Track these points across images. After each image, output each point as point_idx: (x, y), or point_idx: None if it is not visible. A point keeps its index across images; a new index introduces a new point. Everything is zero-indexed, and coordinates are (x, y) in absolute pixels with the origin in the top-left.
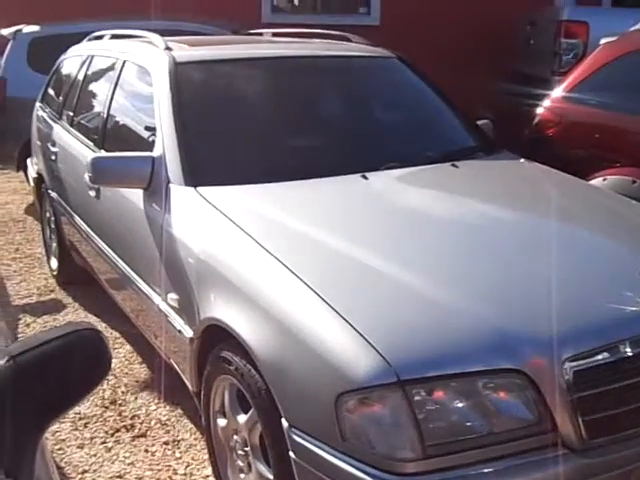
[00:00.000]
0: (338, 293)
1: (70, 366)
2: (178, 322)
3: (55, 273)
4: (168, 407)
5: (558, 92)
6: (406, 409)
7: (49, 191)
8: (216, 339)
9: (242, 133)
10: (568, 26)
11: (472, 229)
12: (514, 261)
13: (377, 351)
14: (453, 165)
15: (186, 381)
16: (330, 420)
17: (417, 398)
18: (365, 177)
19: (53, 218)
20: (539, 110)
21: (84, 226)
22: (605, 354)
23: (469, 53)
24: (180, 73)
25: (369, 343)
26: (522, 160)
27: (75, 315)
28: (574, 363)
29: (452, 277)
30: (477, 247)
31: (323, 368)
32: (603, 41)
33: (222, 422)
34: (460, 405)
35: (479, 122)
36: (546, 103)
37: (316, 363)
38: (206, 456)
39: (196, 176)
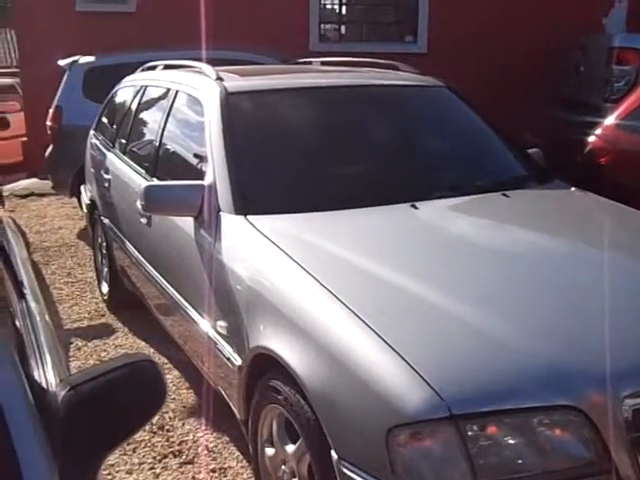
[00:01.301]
0: (389, 324)
1: (128, 397)
2: (227, 350)
3: (106, 298)
4: (215, 434)
5: (610, 120)
6: (458, 444)
7: (101, 217)
8: (265, 368)
9: (292, 162)
10: (620, 53)
11: (525, 261)
12: (569, 294)
13: (429, 384)
14: (504, 195)
15: (234, 408)
16: (381, 453)
17: (470, 433)
18: (415, 206)
19: (105, 244)
20: (591, 138)
21: (135, 252)
22: None
23: (518, 79)
24: (231, 103)
25: (421, 376)
26: (573, 189)
27: (125, 340)
28: (633, 401)
29: (506, 310)
30: (532, 280)
31: (374, 401)
32: None
33: (270, 451)
34: (514, 441)
35: (530, 150)
36: (598, 131)
37: (367, 395)
38: None
39: (246, 205)
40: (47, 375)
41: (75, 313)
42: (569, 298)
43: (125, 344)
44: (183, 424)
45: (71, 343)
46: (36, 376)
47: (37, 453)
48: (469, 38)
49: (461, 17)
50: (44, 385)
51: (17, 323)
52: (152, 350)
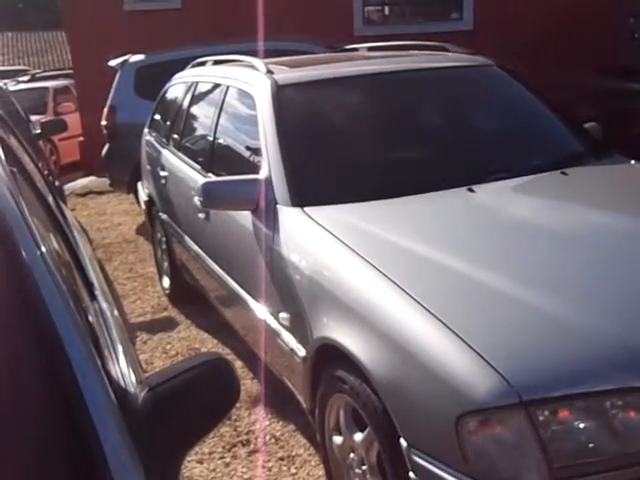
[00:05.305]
0: (453, 311)
1: (204, 395)
2: (290, 341)
3: (167, 292)
4: (281, 422)
5: None
6: (530, 430)
7: (160, 213)
8: (330, 358)
9: (346, 151)
10: None
11: (590, 241)
12: (637, 274)
13: (497, 371)
14: (563, 173)
15: (299, 397)
16: (451, 441)
17: (541, 418)
18: (472, 190)
19: (164, 239)
20: None
21: (194, 246)
22: None
23: (568, 50)
24: (282, 95)
25: (488, 363)
26: (633, 162)
27: (188, 332)
28: None
29: (573, 292)
30: (598, 260)
31: (442, 388)
32: None
33: (338, 440)
34: (587, 425)
35: (587, 125)
36: None
37: (434, 383)
38: (321, 472)
39: (302, 196)
40: (123, 375)
41: (139, 307)
42: (637, 277)
43: (189, 336)
44: (249, 414)
45: (137, 337)
46: (114, 376)
47: (124, 454)
48: (516, 11)
49: None
50: (123, 385)
51: (91, 320)
52: (215, 341)
